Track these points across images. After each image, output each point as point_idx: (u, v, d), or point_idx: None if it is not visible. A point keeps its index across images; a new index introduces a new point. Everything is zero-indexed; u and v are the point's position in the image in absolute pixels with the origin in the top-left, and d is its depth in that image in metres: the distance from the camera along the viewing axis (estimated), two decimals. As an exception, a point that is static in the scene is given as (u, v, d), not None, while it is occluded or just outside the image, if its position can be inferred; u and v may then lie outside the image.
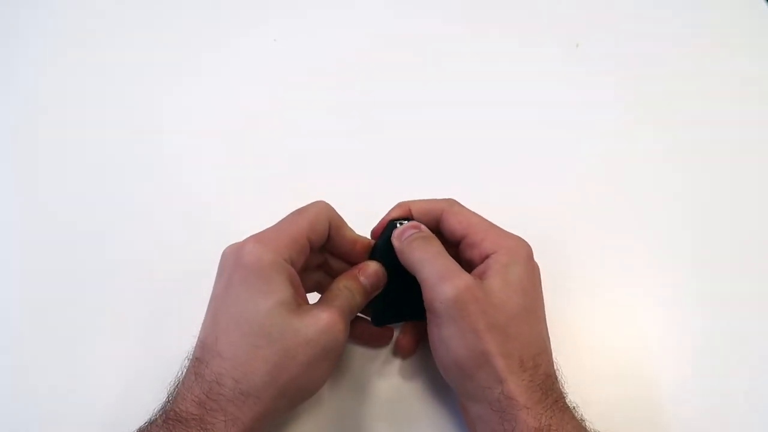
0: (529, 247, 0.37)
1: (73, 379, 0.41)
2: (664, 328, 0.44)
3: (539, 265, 0.37)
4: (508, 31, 0.60)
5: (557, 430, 0.31)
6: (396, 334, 0.42)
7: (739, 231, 0.48)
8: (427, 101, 0.55)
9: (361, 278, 0.37)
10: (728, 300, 0.45)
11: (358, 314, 0.38)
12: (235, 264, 0.33)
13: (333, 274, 0.39)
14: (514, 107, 0.55)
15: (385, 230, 0.38)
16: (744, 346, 0.43)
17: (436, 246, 0.36)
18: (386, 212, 0.39)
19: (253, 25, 0.59)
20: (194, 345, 0.34)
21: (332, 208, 0.37)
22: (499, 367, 0.32)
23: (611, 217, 0.49)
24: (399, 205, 0.39)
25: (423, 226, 0.37)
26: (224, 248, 0.35)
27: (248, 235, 0.35)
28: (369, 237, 0.40)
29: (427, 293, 0.35)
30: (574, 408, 0.34)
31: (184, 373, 0.33)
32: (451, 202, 0.39)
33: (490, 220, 0.38)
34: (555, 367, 0.35)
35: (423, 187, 0.45)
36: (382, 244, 0.38)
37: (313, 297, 0.38)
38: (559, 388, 0.34)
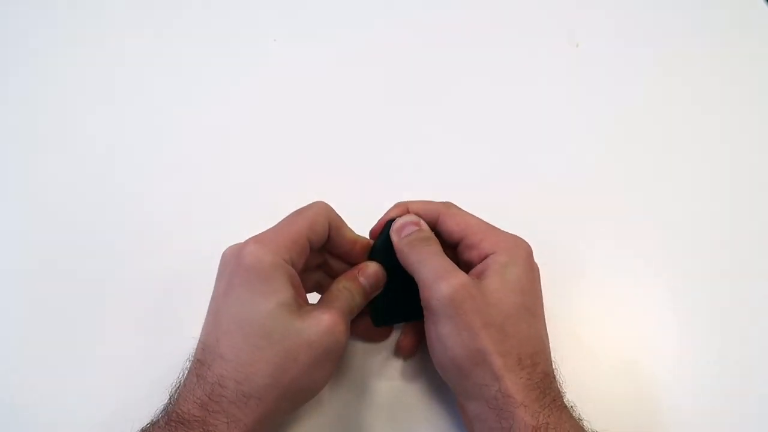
0: (529, 246, 0.37)
1: (74, 380, 0.41)
2: (663, 328, 0.44)
3: (538, 265, 0.37)
4: (508, 30, 0.60)
5: (555, 429, 0.31)
6: (397, 334, 0.42)
7: (740, 231, 0.48)
8: (428, 101, 0.55)
9: (361, 279, 0.37)
10: (727, 300, 0.45)
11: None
12: (236, 265, 0.33)
13: (333, 274, 0.39)
14: (514, 107, 0.55)
15: (384, 230, 0.38)
16: (743, 346, 0.43)
17: (434, 246, 0.36)
18: (385, 212, 0.39)
19: (253, 25, 0.59)
20: (195, 346, 0.34)
21: (331, 208, 0.37)
22: (496, 365, 0.32)
23: (612, 217, 0.49)
24: (397, 206, 0.39)
25: (422, 222, 0.38)
26: (224, 249, 0.35)
27: (248, 236, 0.35)
28: (368, 237, 0.40)
29: (425, 292, 0.35)
30: (571, 407, 0.34)
31: (185, 375, 0.33)
32: (449, 205, 0.39)
33: (489, 221, 0.38)
34: (553, 366, 0.35)
35: (423, 187, 0.45)
36: (380, 244, 0.38)
37: (312, 297, 0.38)
38: (557, 387, 0.34)
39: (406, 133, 0.53)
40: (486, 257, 0.36)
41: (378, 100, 0.55)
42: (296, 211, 0.36)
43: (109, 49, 0.57)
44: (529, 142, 0.53)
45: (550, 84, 0.56)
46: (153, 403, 0.33)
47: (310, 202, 0.37)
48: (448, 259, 0.36)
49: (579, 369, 0.39)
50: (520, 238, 0.37)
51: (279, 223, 0.36)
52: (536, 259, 0.37)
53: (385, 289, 0.38)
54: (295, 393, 0.33)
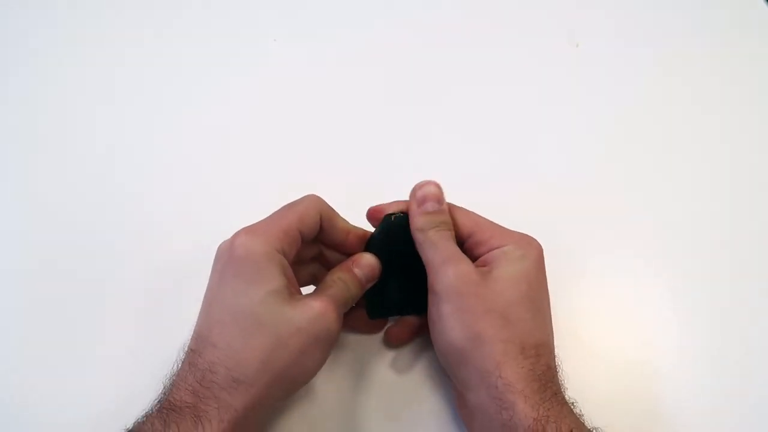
0: (540, 246, 0.37)
1: (71, 373, 0.41)
2: (663, 328, 0.44)
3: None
4: (508, 30, 0.60)
5: (555, 422, 0.31)
6: (389, 323, 0.42)
7: (740, 231, 0.48)
8: (427, 101, 0.55)
9: (356, 270, 0.37)
10: (727, 300, 0.45)
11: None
12: (228, 256, 0.34)
13: (328, 266, 0.39)
14: (514, 107, 0.55)
15: (382, 223, 0.38)
16: (743, 346, 0.43)
17: (447, 232, 0.37)
18: (387, 203, 0.39)
19: (253, 25, 0.59)
20: (189, 338, 0.34)
21: (323, 200, 0.37)
22: (497, 351, 0.32)
23: (612, 217, 0.49)
24: (397, 203, 0.39)
25: (444, 199, 0.38)
26: (220, 243, 0.36)
27: None
28: (368, 231, 0.40)
29: (431, 275, 0.35)
30: (572, 404, 0.34)
31: (179, 365, 0.34)
32: (451, 205, 0.39)
33: (489, 218, 0.38)
34: (557, 362, 0.35)
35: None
36: (378, 236, 0.38)
37: (308, 290, 0.38)
38: (559, 382, 0.34)
39: (407, 133, 0.53)
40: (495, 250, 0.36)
41: (378, 100, 0.55)
42: (287, 204, 0.37)
43: (108, 48, 0.57)
44: (529, 142, 0.53)
45: (550, 84, 0.56)
46: (150, 397, 0.33)
47: (305, 197, 0.37)
48: (457, 246, 0.36)
49: (579, 368, 0.39)
50: (532, 237, 0.37)
51: (270, 215, 0.36)
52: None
53: (381, 281, 0.38)
54: (286, 379, 0.33)
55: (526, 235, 0.37)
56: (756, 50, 0.59)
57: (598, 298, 0.45)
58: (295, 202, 0.37)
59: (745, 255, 0.47)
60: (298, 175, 0.50)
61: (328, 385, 0.40)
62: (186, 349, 0.34)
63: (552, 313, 0.37)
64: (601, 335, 0.44)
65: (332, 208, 0.38)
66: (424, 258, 0.36)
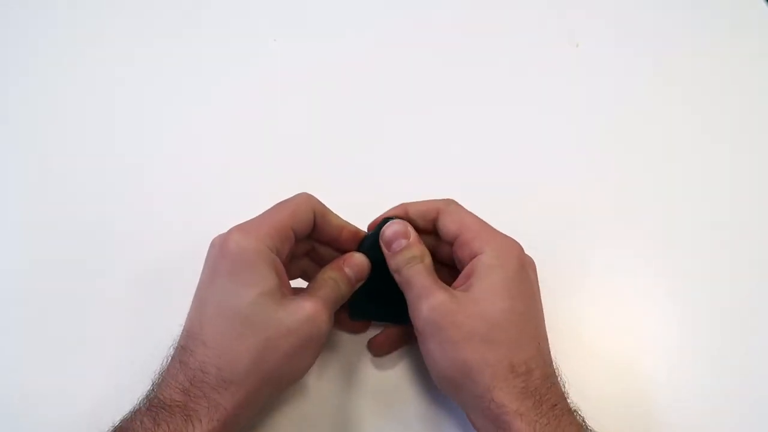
0: (519, 246, 0.36)
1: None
2: (663, 328, 0.44)
3: (536, 264, 0.37)
4: (508, 31, 0.60)
5: None
6: (376, 332, 0.42)
7: (740, 231, 0.48)
8: (427, 101, 0.55)
9: (346, 269, 0.37)
10: (727, 300, 0.45)
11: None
12: (220, 254, 0.34)
13: (319, 262, 0.39)
14: (513, 107, 0.54)
15: (378, 226, 0.38)
16: (743, 346, 0.43)
17: (418, 265, 0.36)
18: (384, 210, 0.39)
19: (253, 25, 0.59)
20: (179, 334, 0.34)
21: (315, 198, 0.37)
22: (486, 376, 0.32)
23: (612, 217, 0.49)
24: (397, 207, 0.39)
25: (411, 231, 0.37)
26: (212, 239, 0.36)
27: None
28: (361, 228, 0.39)
29: (412, 312, 0.36)
30: (575, 411, 0.34)
31: (168, 361, 0.34)
32: (448, 202, 0.39)
33: (487, 220, 0.38)
34: (554, 366, 0.35)
35: (423, 187, 0.45)
36: (370, 239, 0.38)
37: (297, 284, 0.38)
38: (559, 390, 0.34)
39: (407, 133, 0.53)
40: (475, 256, 0.36)
41: (378, 100, 0.55)
42: (280, 202, 0.37)
43: (108, 48, 0.57)
44: (529, 142, 0.53)
45: (550, 84, 0.56)
46: (137, 391, 0.33)
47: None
48: (431, 274, 0.36)
49: (579, 368, 0.39)
50: (510, 238, 0.37)
51: (263, 213, 0.36)
52: (536, 260, 0.37)
53: (367, 283, 0.38)
54: (276, 379, 0.33)
55: (506, 238, 0.36)
56: (756, 50, 0.59)
57: (598, 298, 0.45)
58: (287, 200, 0.37)
59: (745, 255, 0.47)
60: (295, 174, 0.50)
61: (320, 382, 0.40)
62: (176, 345, 0.34)
63: (551, 314, 0.37)
64: (601, 335, 0.44)
65: (324, 205, 0.38)
66: (407, 298, 0.36)
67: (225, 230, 0.35)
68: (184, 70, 0.56)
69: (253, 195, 0.48)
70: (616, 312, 0.44)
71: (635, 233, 0.48)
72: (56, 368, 0.41)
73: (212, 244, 0.35)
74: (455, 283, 0.36)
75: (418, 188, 0.44)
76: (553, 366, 0.35)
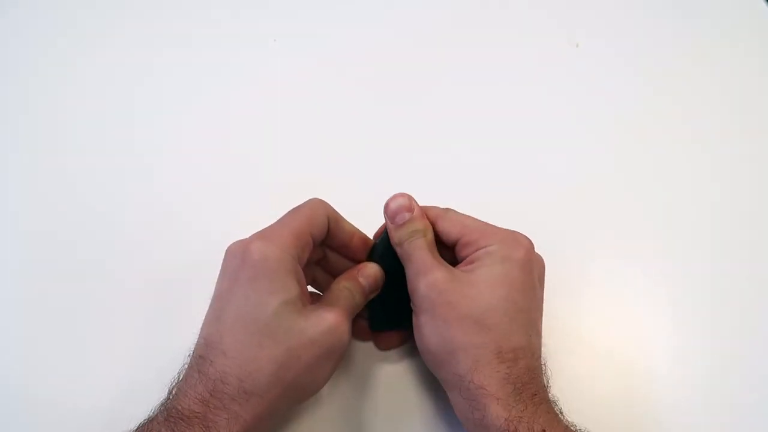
0: (527, 241, 0.36)
1: (73, 376, 0.41)
2: (665, 327, 0.44)
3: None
4: (508, 31, 0.60)
5: (528, 422, 0.31)
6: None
7: (740, 231, 0.48)
8: (427, 101, 0.55)
9: (360, 279, 0.37)
10: (727, 299, 0.45)
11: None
12: (242, 261, 0.33)
13: (329, 269, 0.39)
14: (514, 107, 0.55)
15: (384, 234, 0.38)
16: (742, 346, 0.43)
17: (421, 240, 0.36)
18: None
19: (253, 25, 0.59)
20: (195, 342, 0.34)
21: (327, 203, 0.37)
22: (470, 357, 0.33)
23: (612, 217, 0.49)
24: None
25: (415, 205, 0.37)
26: (228, 245, 0.35)
27: (250, 233, 0.35)
28: (369, 236, 0.40)
29: (409, 286, 0.36)
30: (554, 402, 0.34)
31: (185, 370, 0.33)
32: (447, 210, 0.38)
33: (488, 220, 0.38)
34: (542, 362, 0.35)
35: (423, 188, 0.45)
36: (380, 247, 0.38)
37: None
38: (541, 382, 0.34)
39: (407, 133, 0.53)
40: (481, 249, 0.36)
41: (378, 100, 0.55)
42: (293, 209, 0.36)
43: (108, 49, 0.57)
44: (529, 143, 0.53)
45: (550, 84, 0.56)
46: (153, 398, 0.33)
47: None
48: (432, 252, 0.36)
49: (579, 368, 0.39)
50: (519, 233, 0.37)
51: (279, 220, 0.36)
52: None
53: (383, 293, 0.38)
54: (297, 391, 0.33)
55: (514, 233, 0.36)
56: (756, 50, 0.59)
57: (597, 297, 0.45)
58: (301, 205, 0.36)
59: (745, 256, 0.47)
60: (299, 174, 0.50)
61: (334, 391, 0.40)
62: (193, 353, 0.33)
63: (551, 313, 0.37)
64: (601, 335, 0.44)
65: (336, 210, 0.37)
66: (406, 272, 0.36)
67: (227, 233, 0.35)
68: (183, 70, 0.56)
69: (254, 196, 0.49)
70: (617, 312, 0.45)
71: (636, 233, 0.48)
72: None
73: (230, 252, 0.35)
74: (457, 266, 0.36)
75: (418, 189, 0.44)
76: (540, 361, 0.35)
